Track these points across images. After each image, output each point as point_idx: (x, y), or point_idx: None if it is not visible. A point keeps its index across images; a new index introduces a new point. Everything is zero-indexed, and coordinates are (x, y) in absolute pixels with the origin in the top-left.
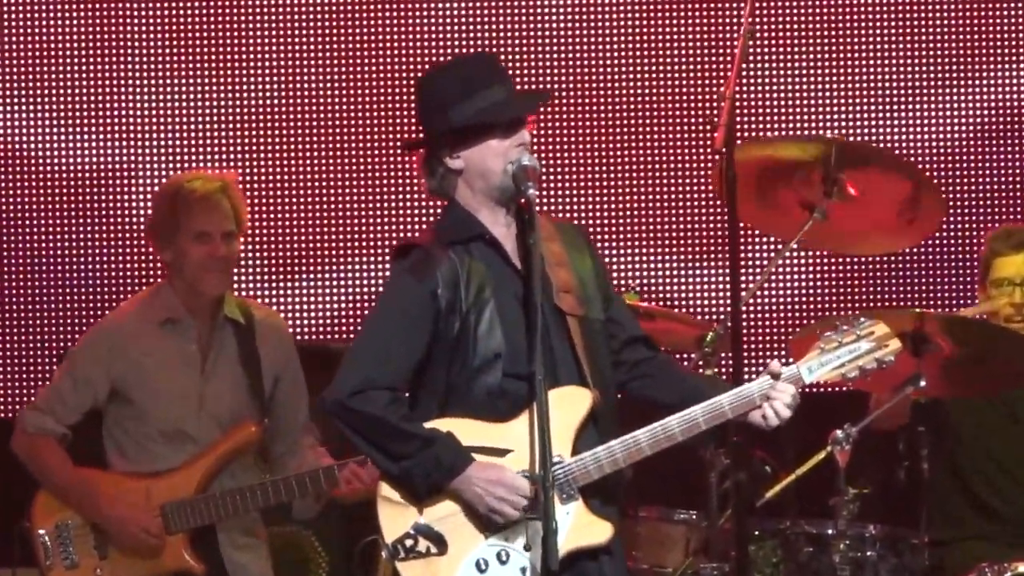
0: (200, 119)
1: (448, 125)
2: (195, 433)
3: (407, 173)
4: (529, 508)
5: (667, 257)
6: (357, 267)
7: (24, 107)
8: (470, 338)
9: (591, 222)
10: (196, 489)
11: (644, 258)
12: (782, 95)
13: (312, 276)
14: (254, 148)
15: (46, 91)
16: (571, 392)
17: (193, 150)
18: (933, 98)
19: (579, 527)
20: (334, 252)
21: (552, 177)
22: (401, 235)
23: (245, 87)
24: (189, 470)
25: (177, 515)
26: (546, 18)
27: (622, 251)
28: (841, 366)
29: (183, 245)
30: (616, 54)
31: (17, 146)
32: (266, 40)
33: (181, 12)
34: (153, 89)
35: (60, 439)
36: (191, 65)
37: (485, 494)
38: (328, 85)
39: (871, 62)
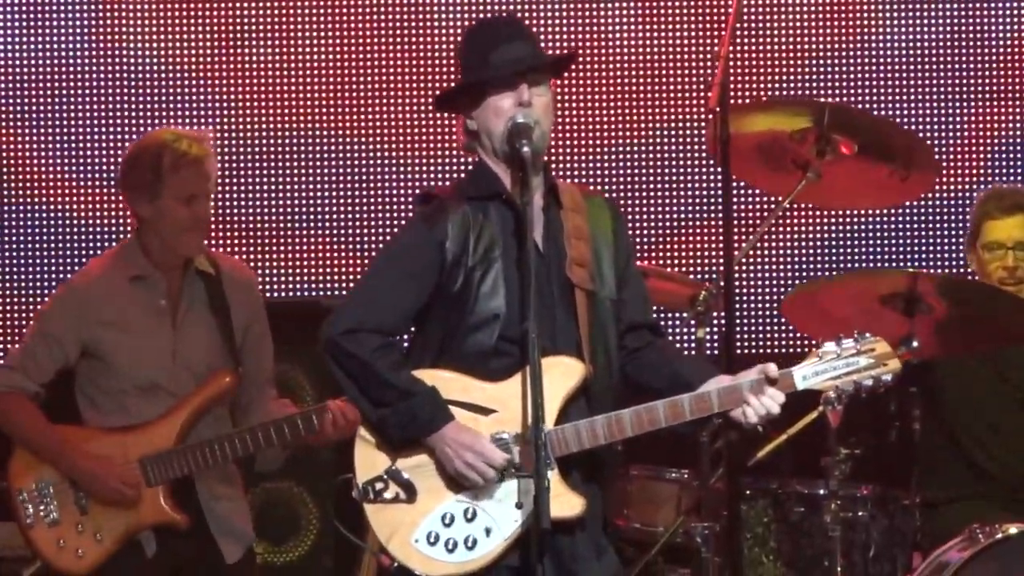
0: (196, 75)
1: (459, 85)
2: (170, 386)
3: (407, 129)
4: (499, 476)
5: (660, 216)
6: (350, 222)
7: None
8: (472, 294)
9: (585, 180)
10: (174, 441)
11: (637, 216)
12: (777, 55)
13: (304, 231)
14: (252, 103)
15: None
16: (563, 362)
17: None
18: (928, 58)
19: (552, 496)
20: (329, 206)
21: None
22: (397, 190)
23: (244, 41)
24: (165, 422)
25: (155, 467)
26: None
27: (619, 206)
28: (836, 377)
29: (168, 204)
30: (611, 13)
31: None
32: None
33: None
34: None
35: (33, 396)
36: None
37: (455, 456)
38: (334, 39)
39: (866, 21)
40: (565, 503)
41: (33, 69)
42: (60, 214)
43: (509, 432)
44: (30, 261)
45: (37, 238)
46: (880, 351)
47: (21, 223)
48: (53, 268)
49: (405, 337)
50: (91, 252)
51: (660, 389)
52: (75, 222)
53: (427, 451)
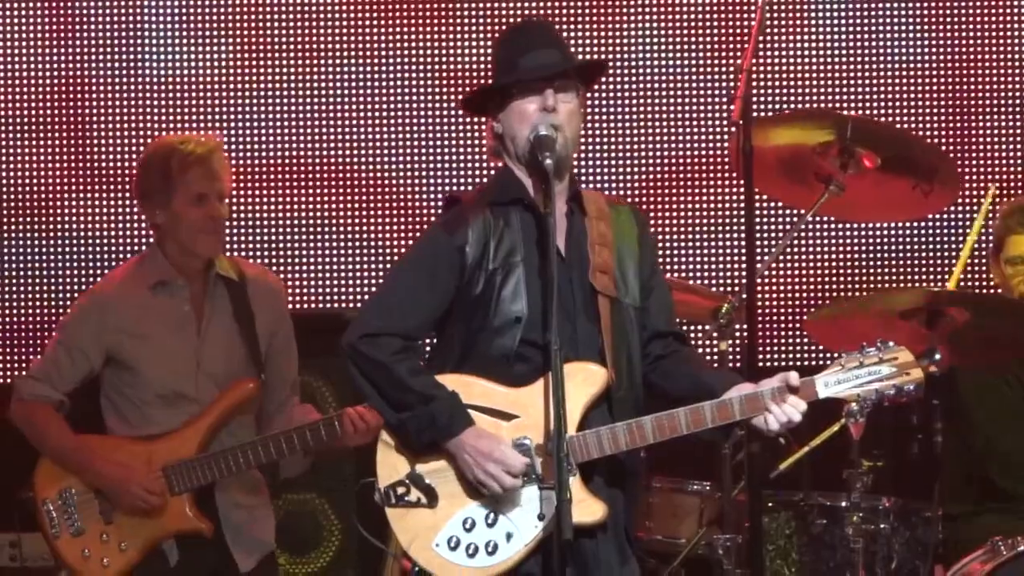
0: (214, 82)
1: (484, 87)
2: (193, 394)
3: (429, 137)
4: (520, 482)
5: (683, 228)
6: (374, 234)
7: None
8: (493, 298)
9: (607, 192)
10: (197, 449)
11: (660, 229)
12: (800, 68)
13: (327, 242)
14: (273, 111)
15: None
16: (586, 368)
17: (206, 114)
18: (952, 71)
19: (572, 503)
20: (353, 218)
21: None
22: (423, 202)
23: (260, 50)
24: (189, 430)
25: (179, 476)
26: None
27: (647, 215)
28: (859, 386)
29: (179, 207)
30: (634, 25)
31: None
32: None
33: None
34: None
35: (57, 406)
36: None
37: (474, 464)
38: (353, 44)
39: (890, 34)
40: (586, 509)
41: (55, 78)
42: (82, 225)
43: (531, 437)
44: (54, 273)
45: (59, 250)
46: (903, 360)
47: (43, 235)
48: (78, 279)
49: (427, 343)
50: (114, 263)
51: (683, 396)
52: (98, 233)
53: (448, 455)
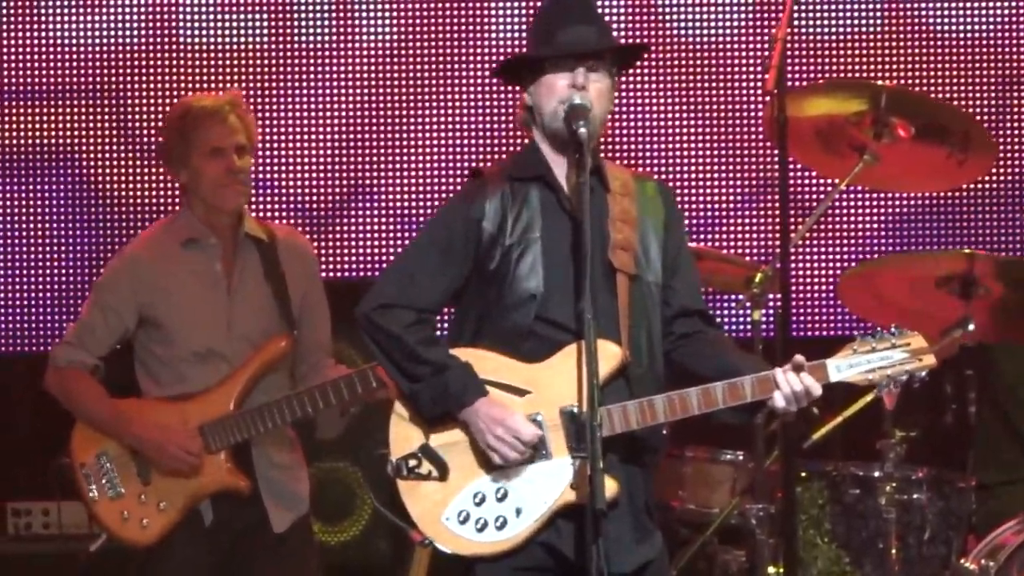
0: (251, 53)
1: (518, 57)
2: (226, 352)
3: (463, 109)
4: (531, 453)
5: (717, 197)
6: (405, 202)
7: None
8: (509, 274)
9: (641, 163)
10: (232, 407)
11: (694, 198)
12: (834, 37)
13: (359, 210)
14: (306, 80)
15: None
16: (600, 345)
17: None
18: (986, 40)
19: (582, 481)
20: (384, 186)
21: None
22: (452, 170)
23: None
24: (223, 389)
25: (215, 434)
26: None
27: (673, 191)
28: (871, 371)
29: (197, 163)
30: None
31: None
32: None
33: None
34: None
35: (92, 371)
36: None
37: (487, 430)
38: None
39: (924, 3)
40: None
41: (91, 48)
42: (113, 192)
43: (543, 413)
44: (92, 239)
45: (90, 216)
46: (916, 345)
47: (76, 201)
48: (114, 245)
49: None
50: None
51: (708, 377)
52: (135, 197)
53: (460, 428)
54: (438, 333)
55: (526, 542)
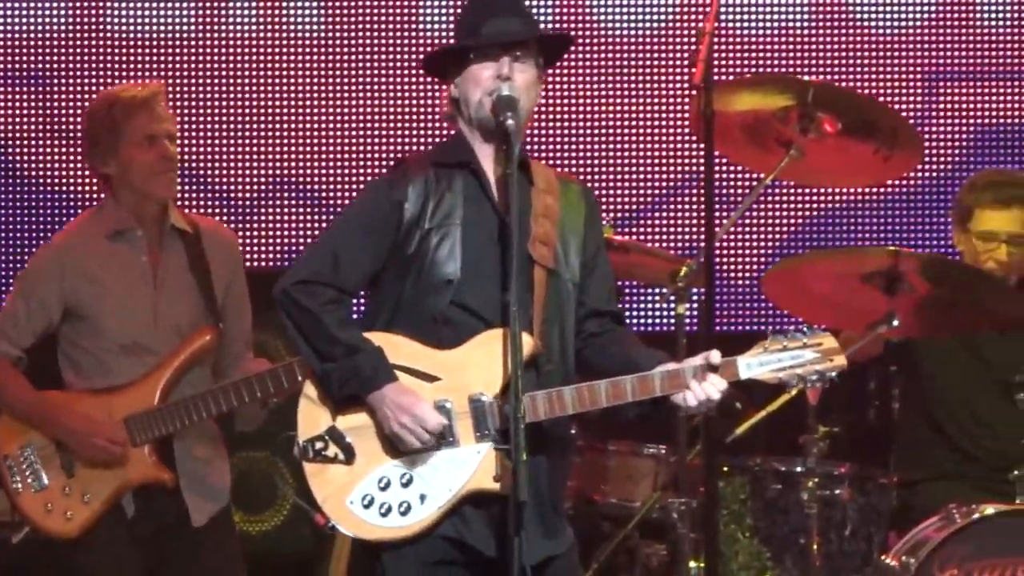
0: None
1: (443, 48)
2: (152, 345)
3: (386, 99)
4: (435, 441)
5: (642, 191)
6: (328, 191)
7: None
8: (427, 258)
9: (567, 156)
10: (157, 400)
11: (619, 191)
12: (762, 32)
13: (282, 200)
14: (233, 70)
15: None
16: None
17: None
18: (911, 36)
19: (487, 469)
20: (307, 175)
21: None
22: (376, 160)
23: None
24: (148, 381)
25: (140, 427)
26: None
27: (598, 185)
28: (780, 369)
29: (128, 152)
30: None
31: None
32: None
33: None
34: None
35: (15, 362)
36: None
37: (392, 417)
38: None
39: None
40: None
41: (15, 33)
42: (37, 180)
43: (452, 400)
44: (9, 229)
45: (14, 205)
46: (827, 346)
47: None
48: (40, 236)
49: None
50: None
51: (612, 373)
52: (53, 187)
53: (368, 412)
54: (355, 316)
55: (430, 528)
